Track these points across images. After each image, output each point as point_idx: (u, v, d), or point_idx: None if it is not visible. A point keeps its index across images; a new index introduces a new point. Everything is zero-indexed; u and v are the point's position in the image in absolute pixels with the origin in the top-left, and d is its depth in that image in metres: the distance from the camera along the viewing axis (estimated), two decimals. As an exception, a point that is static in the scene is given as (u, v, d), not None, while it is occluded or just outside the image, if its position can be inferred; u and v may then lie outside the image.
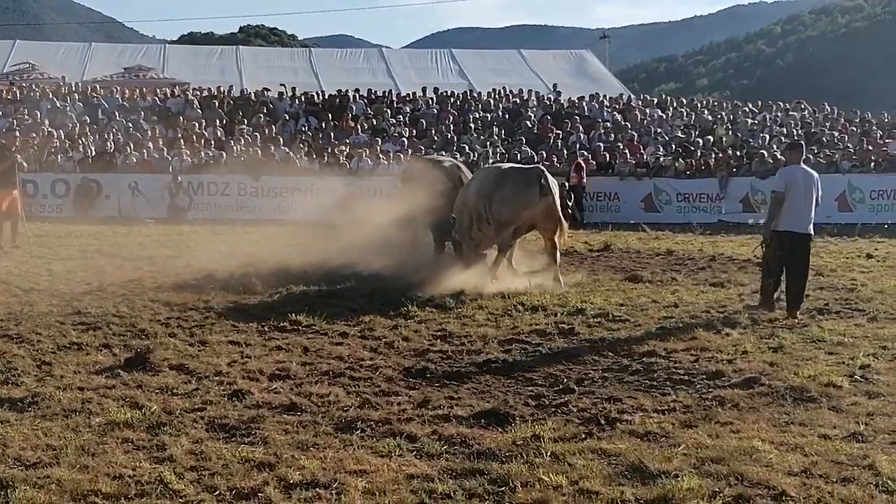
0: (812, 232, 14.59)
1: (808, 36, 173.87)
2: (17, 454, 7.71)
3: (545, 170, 17.19)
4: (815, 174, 14.75)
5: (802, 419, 8.88)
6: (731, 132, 38.37)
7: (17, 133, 31.43)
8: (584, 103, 41.88)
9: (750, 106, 43.30)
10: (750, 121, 40.04)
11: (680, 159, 34.43)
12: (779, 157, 33.03)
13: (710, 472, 7.41)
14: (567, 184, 31.21)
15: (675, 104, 43.79)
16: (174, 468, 7.45)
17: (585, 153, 35.28)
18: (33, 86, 41.30)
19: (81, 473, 7.30)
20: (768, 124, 39.78)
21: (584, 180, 33.01)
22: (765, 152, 33.82)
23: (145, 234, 25.35)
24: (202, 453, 7.82)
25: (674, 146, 36.34)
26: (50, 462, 7.56)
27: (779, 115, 41.58)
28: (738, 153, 35.13)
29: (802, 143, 16.75)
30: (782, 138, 36.75)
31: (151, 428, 8.45)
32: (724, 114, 41.87)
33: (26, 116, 36.25)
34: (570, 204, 19.21)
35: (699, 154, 34.91)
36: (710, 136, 37.14)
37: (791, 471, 7.50)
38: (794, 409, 9.22)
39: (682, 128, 39.17)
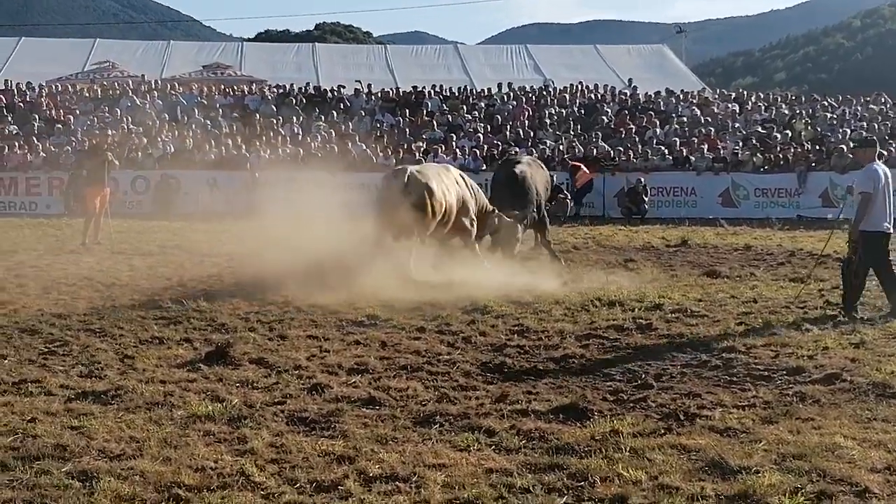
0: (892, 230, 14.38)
1: (888, 29, 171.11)
2: (102, 446, 7.83)
3: (416, 173, 17.10)
4: (888, 171, 14.52)
5: (885, 415, 8.77)
6: (809, 126, 37.93)
7: (110, 132, 32.01)
8: (661, 98, 41.67)
9: (829, 100, 42.76)
10: (829, 115, 39.58)
11: (758, 154, 34.14)
12: (846, 152, 32.68)
13: (792, 469, 7.34)
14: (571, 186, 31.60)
15: (752, 98, 43.38)
16: (255, 461, 7.52)
17: (662, 147, 35.15)
18: (114, 84, 41.87)
19: (164, 465, 7.39)
20: (847, 118, 39.28)
21: (587, 176, 32.66)
22: (844, 147, 33.41)
23: (223, 230, 25.55)
24: (283, 446, 7.89)
25: (754, 140, 36.01)
26: (133, 454, 7.66)
27: (858, 108, 41.03)
28: (816, 147, 34.76)
29: (875, 139, 16.51)
30: (863, 132, 36.29)
31: (232, 421, 8.54)
32: (802, 108, 41.38)
33: (107, 114, 36.78)
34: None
35: (777, 148, 34.57)
36: (788, 131, 36.75)
37: (874, 467, 7.41)
38: (876, 405, 9.11)
39: (760, 122, 38.78)
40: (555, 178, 31.01)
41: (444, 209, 17.18)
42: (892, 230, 14.22)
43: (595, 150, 34.85)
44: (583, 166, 32.85)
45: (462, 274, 16.83)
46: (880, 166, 14.32)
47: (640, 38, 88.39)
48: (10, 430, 8.16)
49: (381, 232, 17.04)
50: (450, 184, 17.70)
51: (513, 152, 30.74)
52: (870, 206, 13.89)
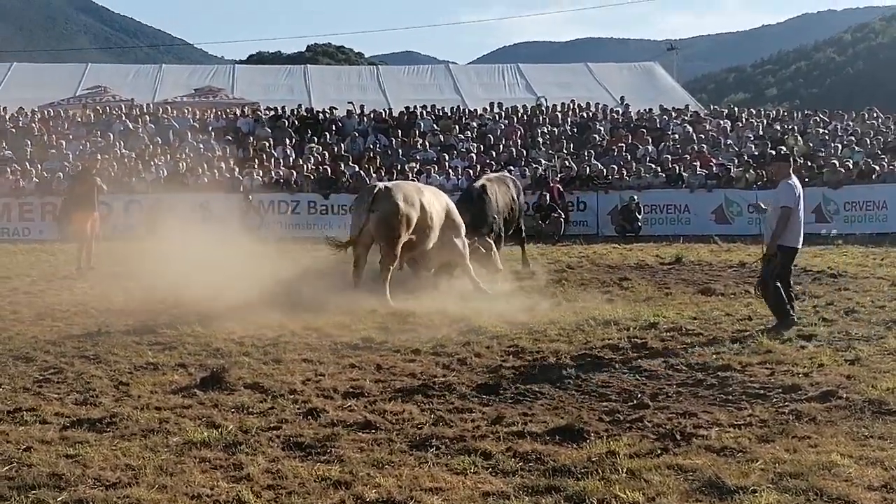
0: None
1: (879, 43, 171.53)
2: (97, 474, 7.79)
3: (384, 188, 17.42)
4: (800, 186, 14.61)
5: (882, 433, 8.76)
6: (801, 142, 37.97)
7: (98, 156, 32.03)
8: (653, 115, 41.73)
9: (821, 115, 42.81)
10: (821, 130, 39.62)
11: (751, 170, 34.17)
12: (838, 167, 32.79)
13: (789, 488, 7.33)
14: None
15: (744, 115, 43.46)
16: (251, 487, 7.50)
17: (655, 165, 35.19)
18: (107, 108, 41.88)
19: (160, 493, 7.36)
20: (839, 133, 39.34)
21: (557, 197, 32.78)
22: (836, 162, 33.50)
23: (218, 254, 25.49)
24: (279, 472, 7.86)
25: (746, 156, 36.05)
26: (129, 482, 7.62)
27: (850, 123, 41.11)
28: (809, 163, 34.79)
29: (789, 153, 16.62)
30: (854, 147, 36.36)
31: (228, 447, 8.51)
32: (794, 124, 41.44)
33: (99, 138, 36.78)
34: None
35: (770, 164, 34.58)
36: (781, 147, 36.79)
37: (871, 485, 7.40)
38: (872, 422, 9.10)
39: (752, 139, 38.82)
40: (547, 198, 31.29)
41: (414, 225, 17.27)
42: (800, 245, 14.42)
43: (588, 169, 34.89)
44: (558, 185, 33.16)
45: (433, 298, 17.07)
46: (796, 181, 14.38)
47: (631, 56, 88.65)
48: (5, 460, 8.13)
49: (354, 249, 17.27)
50: (430, 201, 17.74)
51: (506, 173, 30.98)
52: (791, 221, 13.99)
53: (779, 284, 14.11)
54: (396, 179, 31.51)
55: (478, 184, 20.87)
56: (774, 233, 14.09)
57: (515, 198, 21.93)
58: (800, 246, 14.33)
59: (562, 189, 33.25)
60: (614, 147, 37.57)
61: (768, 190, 21.53)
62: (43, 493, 7.32)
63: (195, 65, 74.49)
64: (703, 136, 39.09)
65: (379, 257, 17.43)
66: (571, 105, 43.37)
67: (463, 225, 18.53)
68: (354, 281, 17.17)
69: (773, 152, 35.13)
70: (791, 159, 15.16)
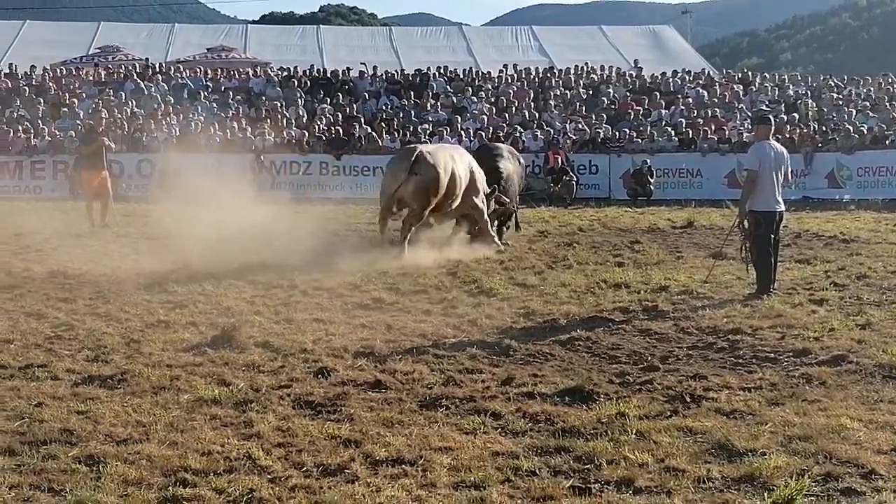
0: (783, 209, 14.36)
1: (895, 9, 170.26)
2: (108, 430, 7.83)
3: (425, 151, 17.56)
4: (784, 150, 14.47)
5: (892, 397, 8.78)
6: (815, 107, 37.78)
7: (104, 115, 31.97)
8: (666, 79, 41.53)
9: (835, 80, 42.59)
10: (835, 95, 39.42)
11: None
12: (852, 133, 32.64)
13: (798, 451, 7.35)
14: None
15: (758, 79, 43.24)
16: (262, 445, 7.53)
17: (668, 129, 35.03)
18: (119, 67, 41.81)
19: (171, 449, 7.40)
20: (853, 99, 39.12)
21: (559, 161, 32.58)
22: (850, 127, 33.33)
23: (229, 213, 25.50)
24: (289, 430, 7.90)
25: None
26: (140, 438, 7.67)
27: (864, 89, 40.87)
28: (823, 128, 34.63)
29: (771, 116, 16.52)
30: (869, 113, 36.17)
31: (239, 405, 8.54)
32: (808, 89, 41.22)
33: (112, 98, 36.70)
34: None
35: (785, 129, 34.43)
36: (794, 113, 36.62)
37: (880, 449, 7.41)
38: (882, 386, 9.12)
39: (766, 103, 38.60)
40: (560, 161, 31.23)
41: (447, 189, 17.39)
42: (780, 208, 14.21)
43: (601, 132, 34.75)
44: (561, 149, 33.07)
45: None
46: (771, 144, 14.27)
47: (645, 19, 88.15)
48: (17, 415, 8.17)
49: (384, 206, 17.52)
50: (459, 167, 17.84)
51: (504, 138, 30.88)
52: (756, 185, 13.89)
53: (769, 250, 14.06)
54: (409, 141, 31.58)
55: (501, 166, 20.47)
56: (741, 198, 14.06)
57: (521, 171, 21.77)
58: (777, 209, 14.09)
59: (565, 154, 33.05)
60: (627, 111, 37.43)
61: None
62: (54, 449, 7.37)
63: (208, 24, 74.40)
64: (717, 101, 38.90)
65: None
66: (584, 68, 43.15)
67: (485, 183, 18.62)
68: (381, 237, 17.56)
69: (785, 117, 35.20)
70: (770, 122, 14.97)
